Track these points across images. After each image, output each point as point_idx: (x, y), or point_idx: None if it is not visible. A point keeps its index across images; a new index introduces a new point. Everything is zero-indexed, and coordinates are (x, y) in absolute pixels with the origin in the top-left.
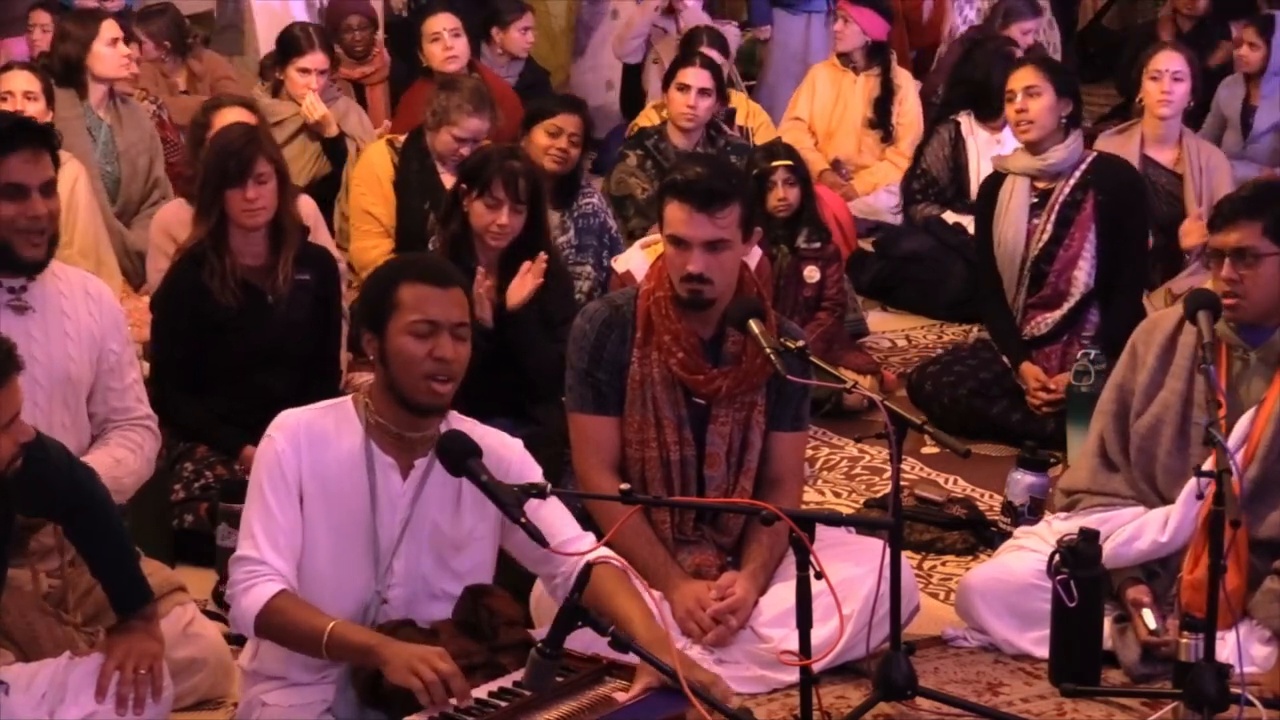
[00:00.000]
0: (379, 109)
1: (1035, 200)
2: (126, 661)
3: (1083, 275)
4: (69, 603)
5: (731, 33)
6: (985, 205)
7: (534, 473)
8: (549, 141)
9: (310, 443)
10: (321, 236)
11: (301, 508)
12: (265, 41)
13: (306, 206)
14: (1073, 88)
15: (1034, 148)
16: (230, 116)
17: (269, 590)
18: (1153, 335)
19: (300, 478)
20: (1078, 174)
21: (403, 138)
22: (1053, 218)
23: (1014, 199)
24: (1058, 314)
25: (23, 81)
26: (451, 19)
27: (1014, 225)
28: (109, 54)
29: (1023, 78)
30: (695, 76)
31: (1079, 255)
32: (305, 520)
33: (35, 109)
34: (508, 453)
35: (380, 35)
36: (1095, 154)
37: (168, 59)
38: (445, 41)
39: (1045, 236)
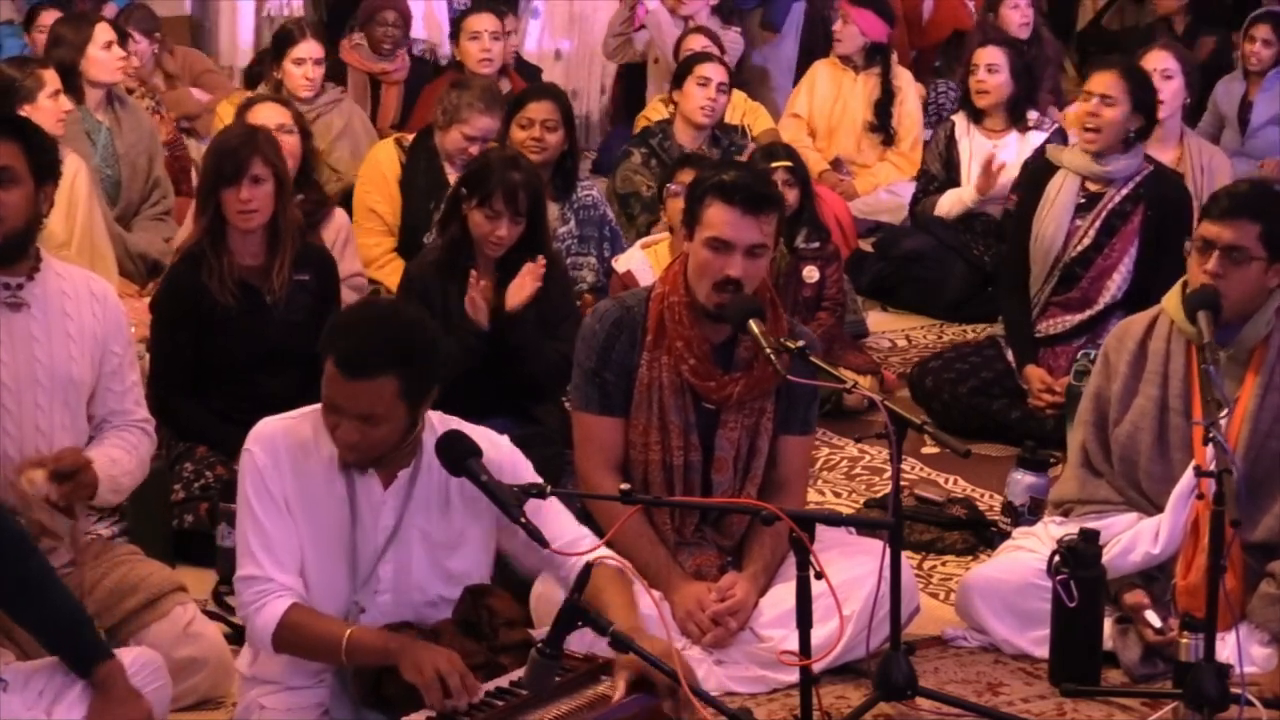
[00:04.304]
0: (390, 108)
1: (1083, 201)
2: None
3: (1114, 286)
4: None
5: (734, 38)
6: (1029, 192)
7: (526, 468)
8: (523, 135)
9: (289, 451)
10: (348, 254)
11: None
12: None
13: (339, 220)
14: (1149, 103)
15: (1093, 157)
16: (265, 113)
17: (280, 606)
18: (1123, 343)
19: (284, 487)
20: (1130, 185)
21: (410, 137)
22: (1098, 224)
23: (1061, 195)
24: (1079, 317)
25: (53, 81)
26: (494, 20)
27: (1056, 221)
28: (104, 58)
29: (1101, 83)
30: (715, 71)
31: (1116, 266)
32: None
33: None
34: (497, 454)
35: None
36: (1151, 167)
37: (160, 52)
38: (484, 43)
39: (1086, 241)
